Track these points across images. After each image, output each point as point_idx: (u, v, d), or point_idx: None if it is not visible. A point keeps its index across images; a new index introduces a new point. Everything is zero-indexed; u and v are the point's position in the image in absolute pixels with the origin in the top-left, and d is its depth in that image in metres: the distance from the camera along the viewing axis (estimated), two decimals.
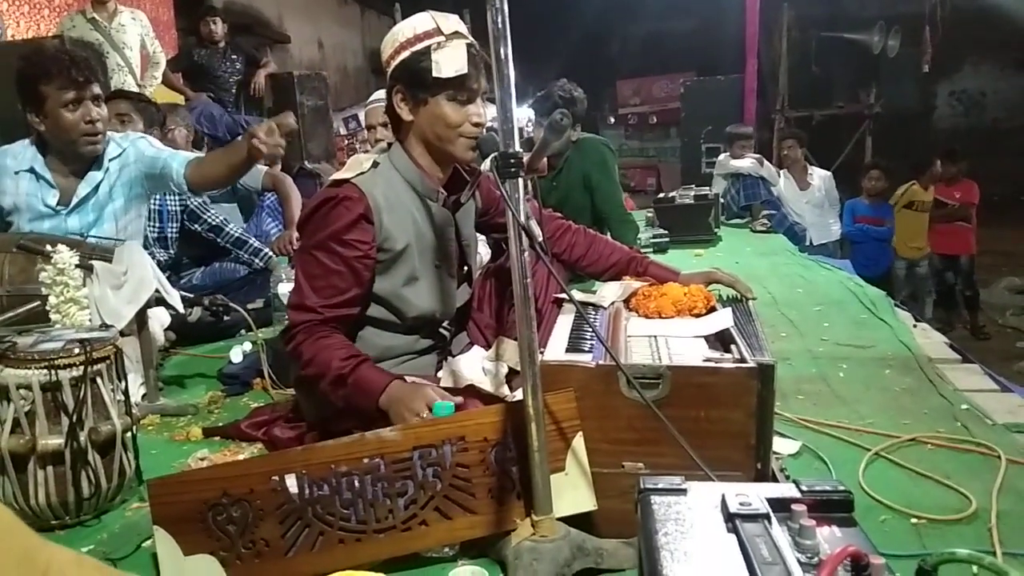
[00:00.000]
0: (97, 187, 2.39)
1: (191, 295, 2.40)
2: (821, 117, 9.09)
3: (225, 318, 2.53)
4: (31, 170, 2.35)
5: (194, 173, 2.37)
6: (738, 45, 7.90)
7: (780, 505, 0.76)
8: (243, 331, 2.84)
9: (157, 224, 3.00)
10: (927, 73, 9.30)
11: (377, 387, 1.54)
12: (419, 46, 1.66)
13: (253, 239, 3.15)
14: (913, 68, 9.35)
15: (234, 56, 5.58)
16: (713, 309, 1.69)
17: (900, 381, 2.20)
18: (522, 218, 1.28)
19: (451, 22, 1.70)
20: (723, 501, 0.78)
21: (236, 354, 2.46)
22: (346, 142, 6.41)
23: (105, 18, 4.60)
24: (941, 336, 2.75)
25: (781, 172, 5.79)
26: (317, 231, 1.66)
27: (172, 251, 3.06)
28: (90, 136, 2.30)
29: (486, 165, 1.52)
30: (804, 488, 0.80)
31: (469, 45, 1.69)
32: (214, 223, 3.08)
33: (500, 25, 1.19)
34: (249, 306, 2.67)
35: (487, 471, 1.34)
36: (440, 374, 1.79)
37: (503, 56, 1.20)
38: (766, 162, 5.53)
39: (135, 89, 4.52)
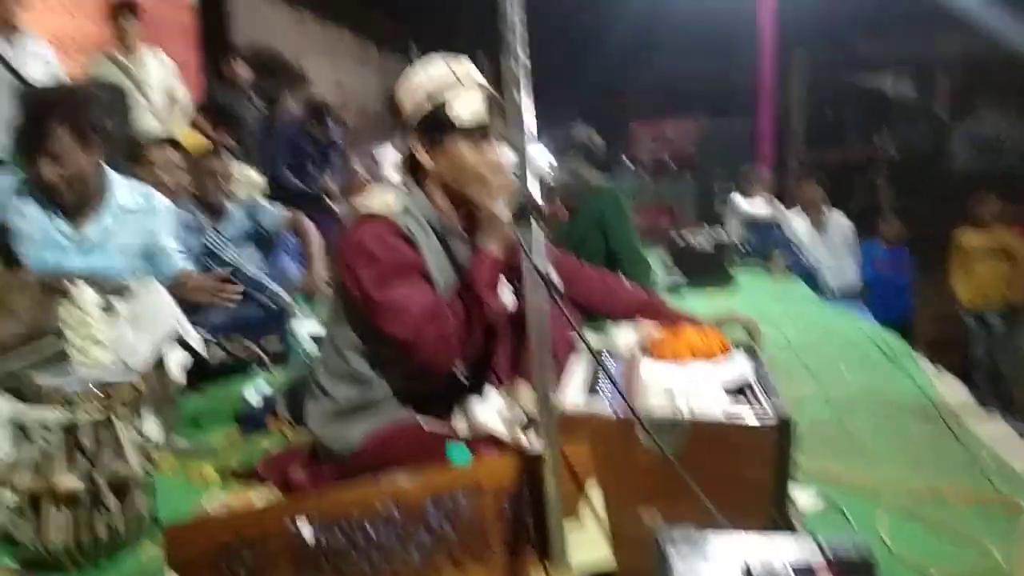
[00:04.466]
0: (110, 227, 2.48)
1: (210, 334, 2.42)
2: (835, 159, 9.12)
3: (243, 358, 2.54)
4: (38, 203, 2.44)
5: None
6: (752, 87, 7.97)
7: (803, 571, 0.75)
8: (260, 370, 2.85)
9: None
10: (942, 117, 9.33)
11: (475, 263, 1.66)
12: (435, 94, 1.70)
13: (269, 282, 3.17)
14: (928, 112, 9.39)
15: (256, 98, 5.69)
16: (729, 354, 1.68)
17: (919, 430, 2.17)
18: (539, 265, 1.29)
19: (464, 67, 1.74)
20: (746, 569, 0.77)
21: (252, 394, 2.47)
22: (363, 182, 6.46)
23: (129, 59, 4.70)
24: (961, 384, 2.72)
25: (798, 213, 5.80)
26: (377, 262, 1.65)
27: None
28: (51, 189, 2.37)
29: (505, 211, 1.55)
30: (826, 548, 0.79)
31: (483, 87, 1.73)
32: (231, 263, 3.11)
33: (517, 72, 1.21)
34: (266, 346, 2.69)
35: (502, 521, 1.33)
36: (455, 419, 1.79)
37: (519, 103, 1.21)
38: (776, 202, 5.55)
39: (159, 130, 4.61)
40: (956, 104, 9.70)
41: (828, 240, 5.69)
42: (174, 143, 3.26)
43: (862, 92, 9.41)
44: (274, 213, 3.63)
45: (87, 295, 1.98)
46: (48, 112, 2.38)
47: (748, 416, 1.34)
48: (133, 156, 3.16)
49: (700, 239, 4.80)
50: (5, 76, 3.71)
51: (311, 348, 2.92)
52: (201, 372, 2.70)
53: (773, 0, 7.62)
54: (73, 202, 2.43)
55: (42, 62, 3.94)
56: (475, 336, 1.67)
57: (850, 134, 9.70)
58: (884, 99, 9.17)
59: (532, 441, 1.58)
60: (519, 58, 1.20)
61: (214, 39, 6.67)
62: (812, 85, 9.31)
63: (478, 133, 1.71)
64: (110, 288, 2.13)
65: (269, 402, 2.39)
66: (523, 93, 1.20)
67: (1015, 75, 9.22)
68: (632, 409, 1.31)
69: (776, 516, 1.33)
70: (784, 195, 6.90)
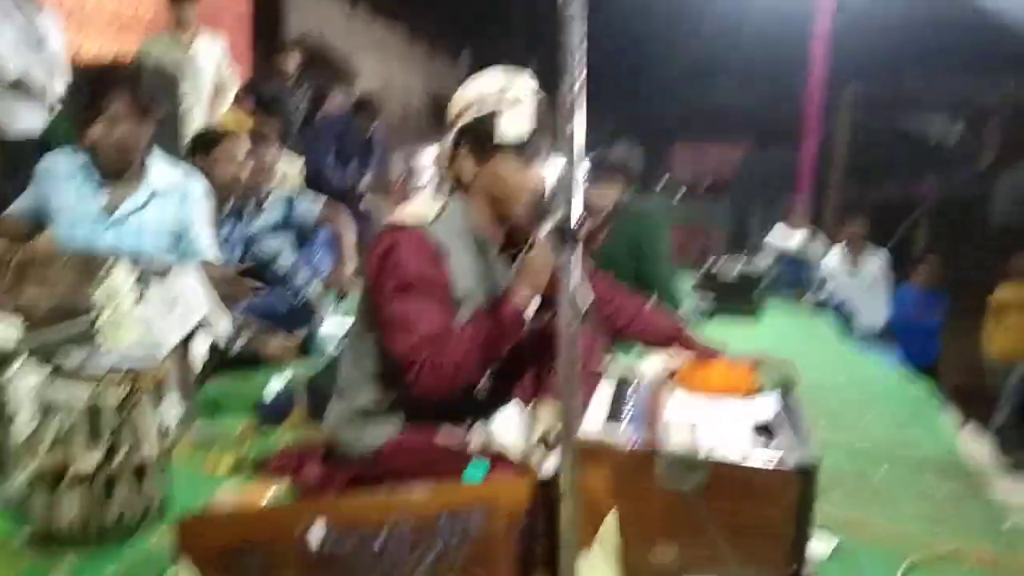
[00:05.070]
0: (144, 205, 2.48)
1: (240, 320, 2.44)
2: (876, 198, 9.00)
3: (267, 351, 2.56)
4: (80, 172, 2.46)
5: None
6: (797, 119, 7.91)
7: None
8: (283, 363, 2.86)
9: (221, 252, 3.05)
10: (987, 165, 9.18)
11: (505, 305, 1.63)
12: (485, 109, 1.70)
13: (299, 277, 3.17)
14: (973, 158, 9.23)
15: (303, 89, 5.75)
16: (757, 392, 1.66)
17: (943, 487, 2.12)
18: (576, 293, 1.28)
19: (520, 83, 1.73)
20: None
21: (274, 385, 2.48)
22: (399, 183, 6.51)
23: (185, 40, 4.75)
24: (987, 440, 2.66)
25: (837, 248, 5.74)
26: (399, 273, 1.65)
27: None
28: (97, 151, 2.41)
29: (544, 232, 1.54)
30: None
31: (538, 103, 1.71)
32: (267, 255, 3.12)
33: (573, 101, 1.20)
34: (293, 337, 2.70)
35: (513, 543, 1.32)
36: (472, 434, 1.78)
37: (571, 132, 1.20)
38: (818, 236, 5.50)
39: (202, 114, 4.66)
40: (1003, 153, 9.54)
41: (861, 279, 5.62)
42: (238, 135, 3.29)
43: (909, 132, 9.28)
44: (311, 206, 3.66)
45: (123, 276, 2.00)
46: (109, 81, 2.43)
47: (771, 459, 1.32)
48: (205, 146, 3.15)
49: (731, 267, 4.76)
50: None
51: (336, 344, 2.94)
52: (224, 358, 2.72)
53: (827, 33, 7.56)
54: (114, 171, 2.45)
55: (59, 35, 3.97)
56: (486, 366, 1.68)
57: (893, 173, 9.56)
58: (930, 141, 9.03)
59: (548, 464, 1.57)
60: (576, 86, 1.18)
61: (267, 29, 6.75)
62: (859, 121, 9.20)
63: (524, 151, 1.71)
64: (150, 269, 2.15)
65: (289, 395, 2.40)
66: (577, 122, 1.19)
67: None
68: (653, 442, 1.29)
69: (793, 564, 1.31)
70: (820, 228, 6.84)
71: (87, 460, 1.49)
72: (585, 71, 1.20)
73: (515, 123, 1.68)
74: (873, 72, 8.95)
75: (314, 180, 5.41)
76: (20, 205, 2.54)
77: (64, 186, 2.47)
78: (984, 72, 8.97)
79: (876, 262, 5.72)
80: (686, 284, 4.50)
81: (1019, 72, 8.76)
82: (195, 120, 4.51)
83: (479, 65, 1.82)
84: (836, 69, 7.81)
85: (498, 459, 1.63)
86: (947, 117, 8.64)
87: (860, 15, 7.79)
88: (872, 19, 8.12)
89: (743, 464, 1.31)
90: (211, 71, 4.88)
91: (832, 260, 5.63)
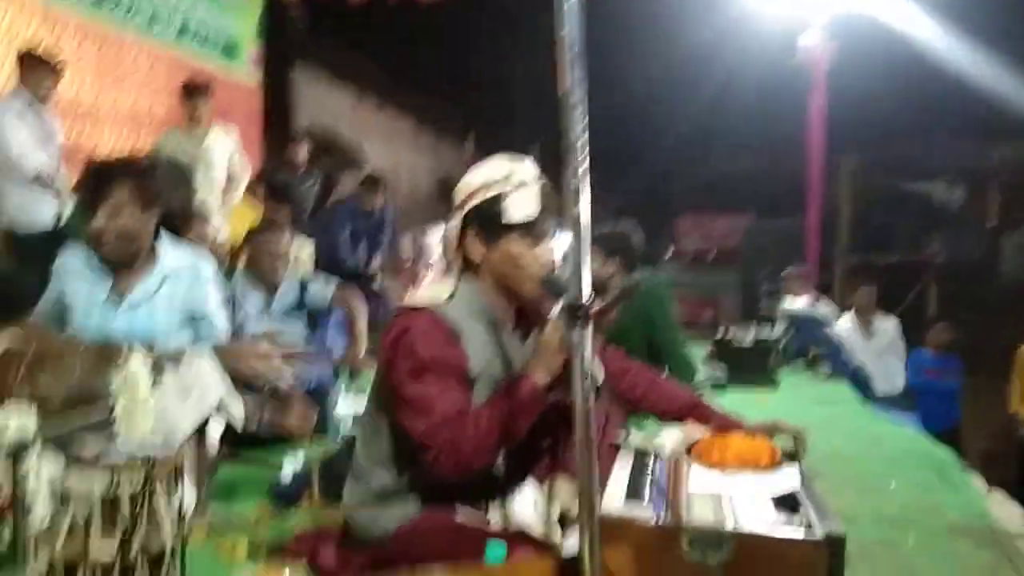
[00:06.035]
0: (156, 290, 2.48)
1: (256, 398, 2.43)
2: (883, 263, 9.03)
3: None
4: (87, 263, 2.47)
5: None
6: (800, 187, 8.00)
7: None
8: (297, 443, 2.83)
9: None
10: (991, 226, 9.24)
11: (521, 385, 1.62)
12: (492, 192, 1.75)
13: (312, 360, 3.17)
14: (977, 220, 9.30)
15: (313, 177, 5.89)
16: (778, 464, 1.64)
17: (976, 556, 2.06)
18: (588, 366, 1.29)
19: (523, 168, 1.78)
20: None
21: (288, 467, 2.46)
22: (409, 263, 6.58)
23: (198, 135, 4.89)
24: (1019, 507, 2.59)
25: (847, 315, 5.73)
26: (414, 356, 1.66)
27: None
28: (100, 240, 2.40)
29: (555, 311, 1.56)
30: None
31: (542, 186, 1.76)
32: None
33: (578, 184, 1.23)
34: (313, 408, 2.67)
35: None
36: (491, 510, 1.75)
37: (577, 214, 1.23)
38: (825, 301, 5.50)
39: (217, 203, 4.76)
40: (1006, 213, 9.62)
41: (875, 344, 5.59)
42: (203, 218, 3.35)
43: (910, 197, 9.38)
44: (322, 288, 3.70)
45: (139, 363, 2.01)
46: (115, 171, 2.45)
47: (797, 531, 1.29)
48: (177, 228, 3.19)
49: (744, 335, 4.73)
50: None
51: (350, 424, 2.92)
52: (238, 438, 2.69)
53: (823, 102, 7.72)
54: (119, 258, 2.45)
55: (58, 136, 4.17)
56: (504, 446, 1.66)
57: (897, 239, 9.63)
58: (933, 205, 9.12)
59: (570, 542, 1.54)
60: (580, 169, 1.22)
61: (278, 121, 6.95)
62: (860, 188, 9.33)
63: (531, 231, 1.74)
64: (164, 355, 2.16)
65: (304, 477, 2.38)
66: (583, 203, 1.22)
67: None
68: (677, 517, 1.27)
69: None
70: (828, 296, 6.84)
71: (104, 550, 1.47)
72: (587, 153, 1.24)
73: (522, 204, 1.72)
74: (869, 140, 9.12)
75: (327, 261, 5.48)
76: (42, 308, 2.55)
77: (76, 278, 2.49)
78: (975, 138, 9.13)
79: (888, 327, 5.70)
80: (698, 354, 4.47)
81: (1010, 137, 8.92)
82: (210, 210, 4.60)
83: (484, 149, 1.88)
84: (833, 137, 7.94)
85: (518, 538, 1.61)
86: (946, 181, 8.72)
87: (853, 86, 7.97)
88: (864, 90, 8.32)
89: (770, 537, 1.29)
90: (224, 163, 5.00)
91: (844, 327, 5.61)
